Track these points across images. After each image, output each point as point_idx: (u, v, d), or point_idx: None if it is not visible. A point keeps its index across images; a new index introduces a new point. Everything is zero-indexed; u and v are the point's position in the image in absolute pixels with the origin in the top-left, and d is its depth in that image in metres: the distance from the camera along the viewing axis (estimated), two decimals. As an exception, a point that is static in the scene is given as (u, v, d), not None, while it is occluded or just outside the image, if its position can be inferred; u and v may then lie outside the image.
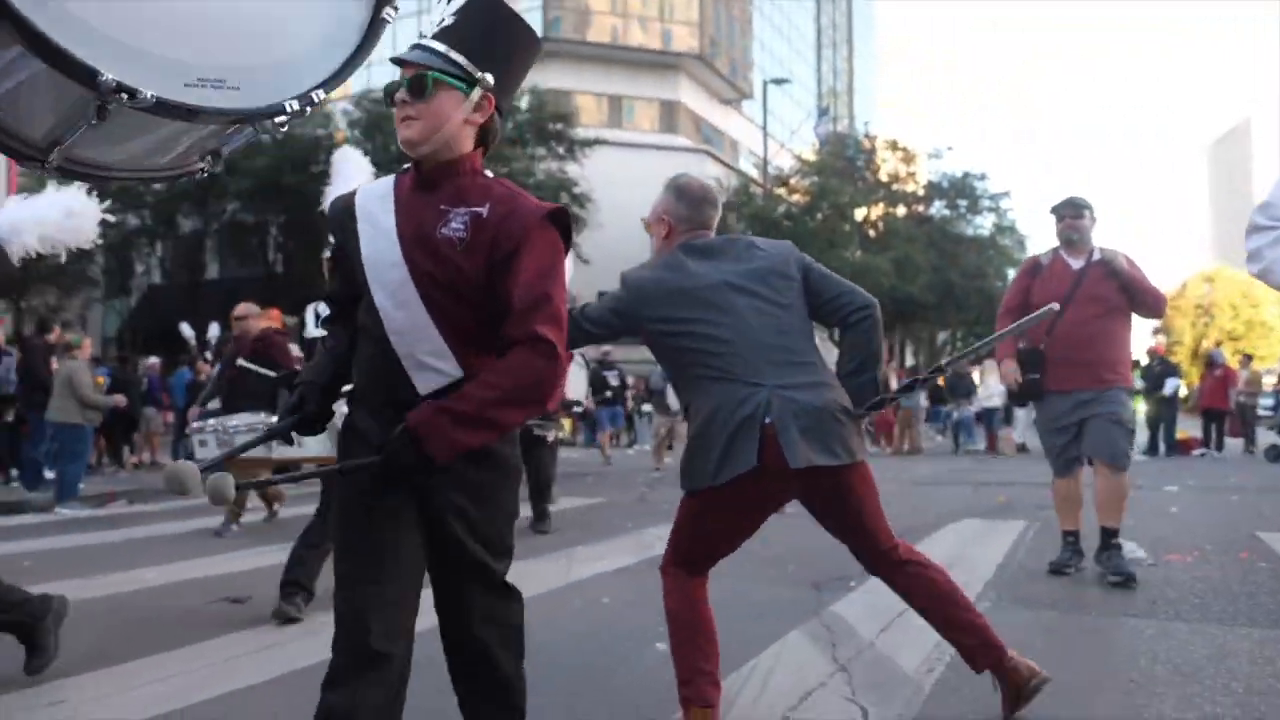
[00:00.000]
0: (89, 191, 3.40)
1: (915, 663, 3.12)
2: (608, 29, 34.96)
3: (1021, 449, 16.76)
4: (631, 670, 3.21)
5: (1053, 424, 4.57)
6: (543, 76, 32.09)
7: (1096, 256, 4.54)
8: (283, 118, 1.54)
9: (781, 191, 29.60)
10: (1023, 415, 17.47)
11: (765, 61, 41.51)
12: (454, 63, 1.75)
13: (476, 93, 1.77)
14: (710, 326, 2.35)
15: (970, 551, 5.44)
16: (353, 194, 1.90)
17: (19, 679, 3.01)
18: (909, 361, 50.43)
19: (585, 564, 5.27)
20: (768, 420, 2.26)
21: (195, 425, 5.75)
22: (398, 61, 1.80)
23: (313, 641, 3.38)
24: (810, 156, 35.12)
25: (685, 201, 2.53)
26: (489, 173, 1.85)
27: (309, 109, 1.56)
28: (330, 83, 1.63)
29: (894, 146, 32.37)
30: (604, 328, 2.52)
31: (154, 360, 14.53)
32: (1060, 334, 4.45)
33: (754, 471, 2.26)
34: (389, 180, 1.89)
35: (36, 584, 4.52)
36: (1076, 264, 4.59)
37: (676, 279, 2.42)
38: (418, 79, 1.74)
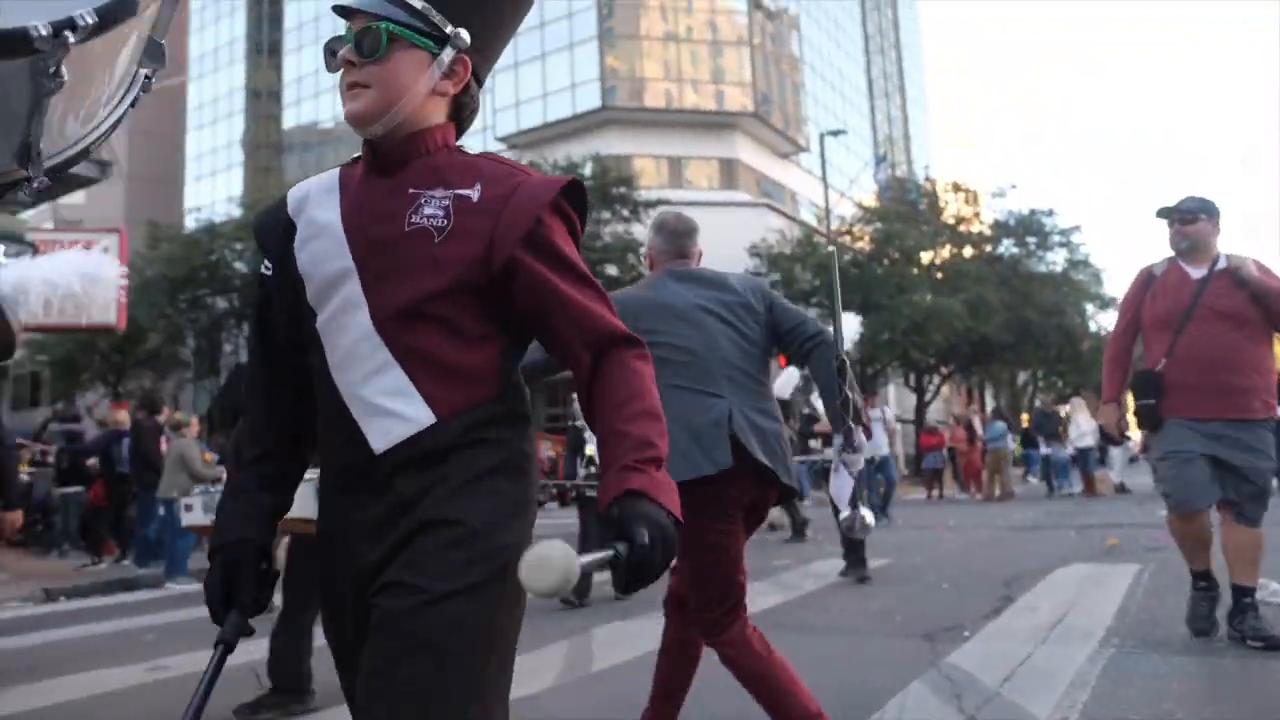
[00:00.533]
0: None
1: (1048, 711, 3.01)
2: (663, 94, 35.77)
3: (1121, 489, 16.09)
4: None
5: (1176, 456, 3.88)
6: (603, 143, 32.98)
7: (1221, 264, 3.94)
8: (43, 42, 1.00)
9: (845, 239, 29.51)
10: (1119, 455, 16.85)
11: (819, 115, 41.83)
12: (417, 12, 1.31)
13: (448, 53, 1.33)
14: (681, 339, 2.52)
15: (1085, 597, 5.24)
16: (286, 195, 1.44)
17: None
18: (989, 404, 49.20)
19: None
20: (731, 429, 2.41)
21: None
22: (341, 11, 1.34)
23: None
24: (871, 203, 35.02)
25: (663, 235, 2.76)
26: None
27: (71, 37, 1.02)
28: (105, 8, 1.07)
29: (957, 188, 32.08)
30: None
31: None
32: (1183, 353, 3.87)
33: (724, 473, 2.36)
34: (334, 172, 1.43)
35: (163, 656, 4.72)
36: (1197, 273, 3.98)
37: (655, 295, 2.62)
38: (368, 33, 1.29)
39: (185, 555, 8.93)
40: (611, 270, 25.76)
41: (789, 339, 2.63)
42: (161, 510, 9.02)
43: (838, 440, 2.59)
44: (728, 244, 29.62)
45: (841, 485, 2.65)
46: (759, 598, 5.88)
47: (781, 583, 6.53)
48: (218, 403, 35.01)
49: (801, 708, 2.30)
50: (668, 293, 2.61)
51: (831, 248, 4.15)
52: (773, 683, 2.34)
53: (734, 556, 2.42)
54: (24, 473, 13.11)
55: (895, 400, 38.77)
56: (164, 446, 9.53)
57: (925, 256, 29.20)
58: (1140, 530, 8.89)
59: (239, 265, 29.97)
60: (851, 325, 5.89)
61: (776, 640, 2.48)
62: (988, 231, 31.42)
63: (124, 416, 10.75)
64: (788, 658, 2.42)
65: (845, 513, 2.67)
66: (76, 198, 21.74)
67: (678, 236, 2.75)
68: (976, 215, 31.79)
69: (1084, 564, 6.68)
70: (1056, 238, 30.75)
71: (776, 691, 2.32)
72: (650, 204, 26.61)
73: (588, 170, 26.63)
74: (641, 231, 26.27)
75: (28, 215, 10.23)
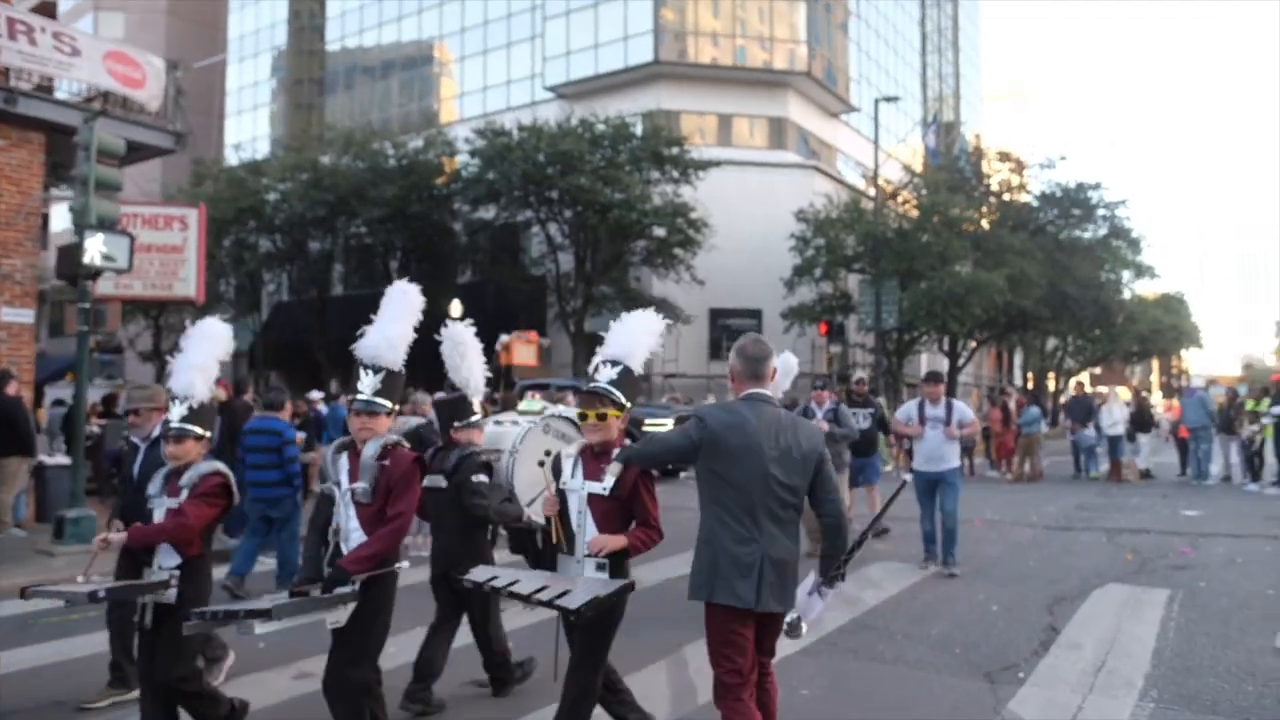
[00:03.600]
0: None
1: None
2: (716, 49, 35.35)
3: (1145, 475, 16.58)
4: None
5: None
6: (653, 98, 32.81)
7: None
8: None
9: (891, 204, 29.51)
10: (1146, 441, 17.29)
11: (871, 71, 41.24)
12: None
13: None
14: (740, 475, 3.10)
15: (1123, 634, 5.76)
16: None
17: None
18: (1018, 365, 49.32)
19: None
20: (757, 577, 3.05)
21: None
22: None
23: None
24: (918, 166, 34.79)
25: (742, 360, 3.27)
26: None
27: None
28: None
29: (1005, 156, 31.80)
30: (678, 454, 3.32)
31: (316, 395, 15.37)
32: None
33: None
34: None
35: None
36: None
37: (738, 431, 3.14)
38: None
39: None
40: (659, 231, 25.99)
41: (815, 499, 3.25)
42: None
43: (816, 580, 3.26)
44: (775, 206, 29.73)
45: (811, 605, 3.26)
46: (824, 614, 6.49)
47: (841, 593, 7.08)
48: (259, 340, 35.96)
49: None
50: (746, 434, 3.12)
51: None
52: None
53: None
54: (95, 425, 13.79)
55: (927, 363, 39.05)
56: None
57: (969, 227, 29.15)
58: (1166, 540, 9.40)
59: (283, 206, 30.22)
60: (790, 363, 7.06)
61: (851, 670, 3.16)
62: (1034, 203, 31.26)
63: (219, 395, 11.31)
64: (865, 693, 3.18)
65: (791, 618, 3.22)
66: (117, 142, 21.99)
67: (755, 363, 3.25)
68: (1023, 186, 31.58)
69: (1118, 585, 7.19)
70: (1102, 211, 30.56)
71: None
72: (702, 165, 26.63)
73: (639, 128, 26.66)
74: (690, 194, 26.43)
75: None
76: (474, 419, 4.63)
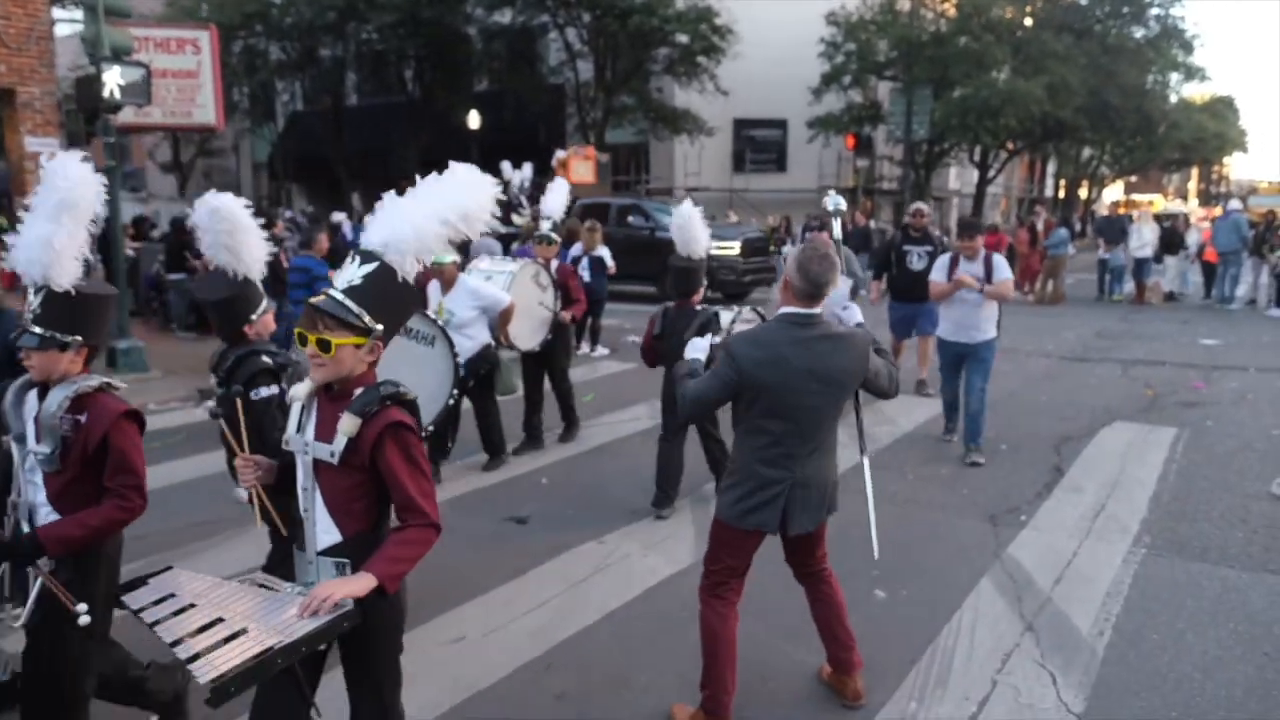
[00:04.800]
0: None
1: (1088, 625, 3.97)
2: None
3: (1170, 298, 16.66)
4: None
5: None
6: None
7: None
8: None
9: (929, 5, 27.78)
10: (1174, 263, 17.22)
11: None
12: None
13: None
14: (776, 409, 3.01)
15: (1125, 475, 6.12)
16: None
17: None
18: (1050, 174, 47.96)
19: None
20: (784, 504, 3.09)
21: None
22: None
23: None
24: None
25: (804, 278, 2.99)
26: None
27: None
28: None
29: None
30: (720, 402, 3.15)
31: (339, 216, 15.32)
32: None
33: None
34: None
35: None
36: None
37: (771, 367, 2.99)
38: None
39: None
40: (682, 38, 24.78)
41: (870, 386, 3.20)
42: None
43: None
44: (804, 9, 28.04)
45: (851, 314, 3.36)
46: (843, 451, 6.87)
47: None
48: (278, 151, 35.52)
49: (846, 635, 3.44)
50: (786, 354, 2.98)
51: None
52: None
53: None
54: (129, 248, 14.03)
55: (956, 176, 38.07)
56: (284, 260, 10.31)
57: (1012, 28, 27.49)
58: (1180, 372, 9.65)
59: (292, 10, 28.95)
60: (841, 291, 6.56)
61: (859, 511, 3.40)
62: (1082, 1, 29.27)
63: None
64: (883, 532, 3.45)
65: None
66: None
67: (818, 286, 2.99)
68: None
69: (1126, 424, 7.51)
70: (1155, 10, 28.64)
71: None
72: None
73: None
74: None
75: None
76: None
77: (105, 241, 10.56)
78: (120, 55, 9.93)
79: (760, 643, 3.69)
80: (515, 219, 13.71)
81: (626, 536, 5.10)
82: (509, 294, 6.20)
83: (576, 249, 11.41)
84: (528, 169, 14.95)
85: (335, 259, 12.88)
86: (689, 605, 3.50)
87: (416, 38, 27.78)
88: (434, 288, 6.05)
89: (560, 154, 21.25)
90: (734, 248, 15.81)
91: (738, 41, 25.05)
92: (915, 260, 8.40)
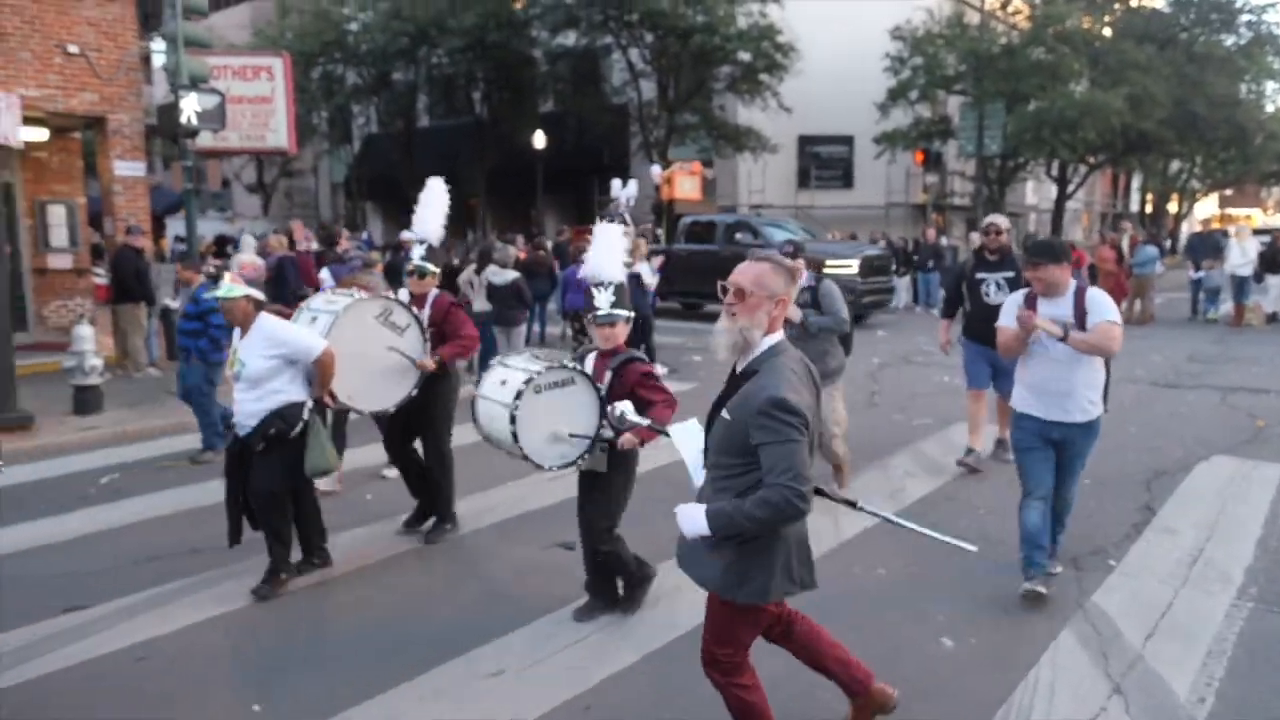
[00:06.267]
0: None
1: (1186, 689, 3.57)
2: None
3: (1272, 319, 15.70)
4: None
5: None
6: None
7: None
8: None
9: (999, 17, 27.10)
10: (1276, 283, 16.24)
11: None
12: None
13: None
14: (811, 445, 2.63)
15: (1226, 517, 5.65)
16: None
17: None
18: (1135, 188, 46.18)
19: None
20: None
21: None
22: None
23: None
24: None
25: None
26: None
27: None
28: None
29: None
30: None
31: (407, 235, 15.39)
32: None
33: None
34: None
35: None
36: None
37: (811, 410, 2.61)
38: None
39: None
40: (744, 56, 24.64)
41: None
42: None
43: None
44: (868, 26, 27.62)
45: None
46: (910, 481, 6.55)
47: (925, 460, 7.13)
48: (353, 172, 36.47)
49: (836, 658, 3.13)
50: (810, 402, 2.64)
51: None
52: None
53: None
54: (211, 265, 14.50)
55: (1033, 191, 36.94)
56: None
57: (1090, 38, 26.57)
58: (1289, 402, 9.00)
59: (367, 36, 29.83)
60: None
61: (930, 549, 2.93)
62: (1165, 9, 28.20)
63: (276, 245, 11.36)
64: (941, 577, 3.13)
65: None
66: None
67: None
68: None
69: (1226, 457, 6.98)
70: (1247, 17, 27.39)
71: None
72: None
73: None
74: (777, 14, 24.70)
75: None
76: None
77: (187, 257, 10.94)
78: (197, 83, 10.22)
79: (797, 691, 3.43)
80: None
81: (674, 569, 4.87)
82: (325, 339, 4.73)
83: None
84: (633, 186, 14.72)
85: (394, 277, 13.11)
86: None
87: (484, 61, 28.36)
88: (237, 334, 4.75)
89: (656, 170, 20.63)
90: (852, 266, 14.95)
91: (800, 58, 24.78)
92: (993, 291, 6.55)
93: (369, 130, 37.10)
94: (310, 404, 4.71)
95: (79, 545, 5.49)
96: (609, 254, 4.25)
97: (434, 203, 5.59)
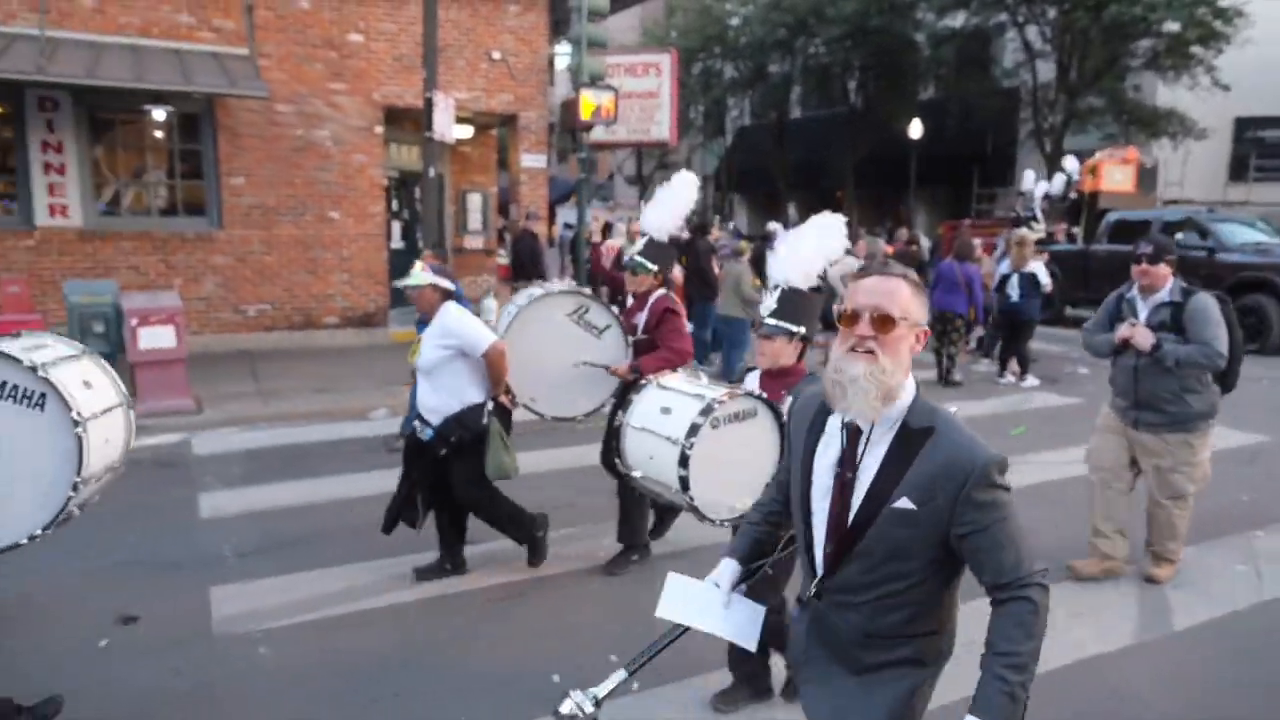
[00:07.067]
0: None
1: None
2: None
3: None
4: None
5: None
6: None
7: None
8: None
9: None
10: None
11: None
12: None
13: None
14: None
15: None
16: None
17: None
18: None
19: None
20: None
21: None
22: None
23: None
24: None
25: None
26: None
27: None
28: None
29: None
30: None
31: (773, 225, 15.54)
32: None
33: None
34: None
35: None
36: None
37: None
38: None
39: (737, 364, 10.25)
40: (1173, 26, 21.40)
41: None
42: (715, 326, 10.40)
43: None
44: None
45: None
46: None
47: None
48: (724, 164, 37.81)
49: None
50: None
51: None
52: None
53: None
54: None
55: None
56: (714, 265, 10.69)
57: None
58: None
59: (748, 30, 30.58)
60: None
61: None
62: None
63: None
64: None
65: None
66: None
67: None
68: None
69: None
70: None
71: None
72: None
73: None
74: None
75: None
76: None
77: (576, 242, 12.02)
78: (595, 81, 11.10)
79: None
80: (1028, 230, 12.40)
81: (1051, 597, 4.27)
82: (500, 333, 4.47)
83: (1004, 265, 10.32)
84: (1058, 180, 13.29)
85: (759, 266, 13.29)
86: (1117, 692, 2.70)
87: (862, 48, 27.73)
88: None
89: (1069, 162, 18.12)
90: None
91: (1247, 25, 20.91)
92: None
93: (742, 123, 38.19)
94: (490, 405, 4.45)
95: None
96: (810, 252, 3.26)
97: (673, 198, 4.84)
